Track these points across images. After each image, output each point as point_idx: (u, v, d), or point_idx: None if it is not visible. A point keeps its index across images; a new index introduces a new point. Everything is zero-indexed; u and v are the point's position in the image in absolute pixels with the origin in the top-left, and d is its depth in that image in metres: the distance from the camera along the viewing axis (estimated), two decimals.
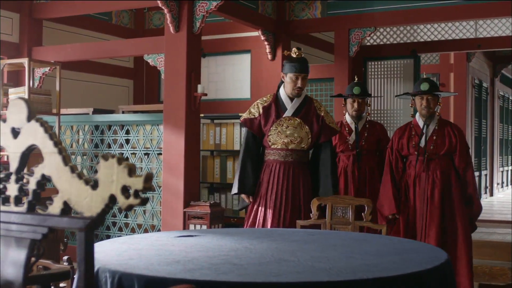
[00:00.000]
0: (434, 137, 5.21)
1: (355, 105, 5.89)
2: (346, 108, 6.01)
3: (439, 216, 5.12)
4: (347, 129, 5.94)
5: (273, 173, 5.06)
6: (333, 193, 5.09)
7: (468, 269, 5.08)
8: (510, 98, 17.74)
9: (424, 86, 5.23)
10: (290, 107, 5.12)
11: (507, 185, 16.60)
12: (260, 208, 5.07)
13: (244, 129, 5.73)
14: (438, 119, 5.31)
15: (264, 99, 5.24)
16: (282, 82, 5.21)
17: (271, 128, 5.07)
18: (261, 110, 5.13)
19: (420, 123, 5.29)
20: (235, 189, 5.15)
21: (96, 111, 7.76)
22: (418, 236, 5.16)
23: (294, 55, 5.13)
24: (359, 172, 5.83)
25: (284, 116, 5.09)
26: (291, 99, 5.14)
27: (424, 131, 5.25)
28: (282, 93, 5.17)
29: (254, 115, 5.14)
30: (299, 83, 5.05)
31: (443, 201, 5.15)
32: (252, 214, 5.11)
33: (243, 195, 5.17)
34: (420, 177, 5.21)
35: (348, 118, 5.98)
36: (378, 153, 5.97)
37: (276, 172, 5.06)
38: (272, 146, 5.09)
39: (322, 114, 5.20)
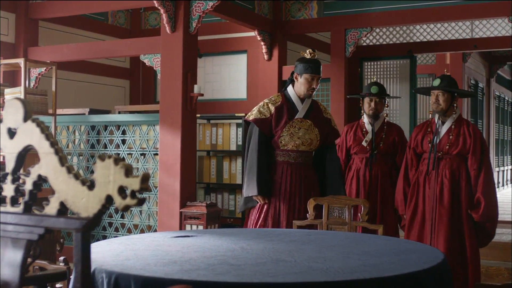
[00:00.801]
0: (450, 136, 5.16)
1: (372, 104, 5.82)
2: (363, 108, 5.94)
3: (449, 217, 5.05)
4: (364, 129, 5.86)
5: (284, 175, 5.01)
6: (344, 194, 5.16)
7: (475, 272, 5.03)
8: (506, 98, 17.77)
9: (435, 82, 5.23)
10: (301, 109, 5.10)
11: (503, 185, 16.63)
12: (272, 210, 4.98)
13: (241, 129, 5.62)
14: (457, 117, 5.22)
15: (273, 99, 5.16)
16: (290, 82, 5.18)
17: (284, 129, 5.02)
18: (272, 110, 5.05)
19: (439, 121, 5.27)
20: (253, 191, 4.94)
21: (92, 112, 7.74)
22: (428, 236, 5.12)
23: (308, 56, 5.13)
24: (370, 175, 5.76)
25: (296, 117, 5.07)
26: (301, 100, 5.11)
27: (440, 129, 5.23)
28: (292, 93, 5.14)
29: (265, 115, 5.05)
30: (314, 84, 5.06)
31: (452, 202, 5.08)
32: (262, 216, 5.01)
33: (260, 197, 4.99)
34: (430, 175, 5.19)
35: (365, 118, 5.91)
36: (393, 156, 5.87)
37: (288, 174, 5.01)
38: (282, 148, 5.05)
39: (329, 116, 5.27)
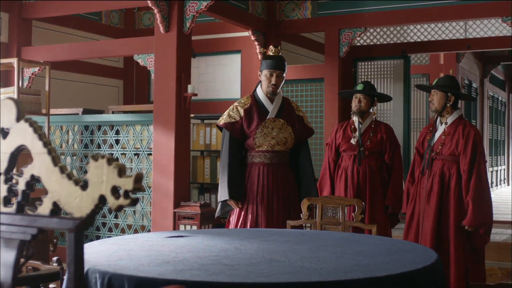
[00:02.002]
0: (443, 136, 5.14)
1: (356, 101, 5.86)
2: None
3: (434, 217, 5.02)
4: (353, 127, 5.88)
5: (261, 176, 4.95)
6: (316, 194, 5.12)
7: (459, 275, 4.99)
8: (500, 98, 17.81)
9: (434, 81, 5.25)
10: (272, 109, 5.04)
11: (496, 185, 16.67)
12: (250, 212, 4.93)
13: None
14: (455, 118, 5.17)
15: (242, 101, 5.10)
16: (259, 82, 5.15)
17: (257, 130, 4.97)
18: (242, 113, 5.00)
19: (438, 120, 5.28)
20: (224, 195, 4.92)
21: (86, 111, 7.73)
22: (419, 234, 5.13)
23: (271, 53, 5.10)
24: (358, 173, 5.76)
25: (268, 117, 5.01)
26: (271, 100, 5.06)
27: (438, 128, 5.21)
28: (261, 94, 5.08)
29: (235, 119, 4.99)
30: (273, 80, 4.97)
31: (439, 203, 5.05)
32: (241, 219, 4.95)
33: (232, 201, 4.96)
34: (424, 175, 5.20)
35: (355, 117, 5.92)
36: (381, 155, 5.87)
37: (265, 175, 4.96)
38: (257, 149, 4.99)
39: (301, 114, 5.21)
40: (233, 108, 5.06)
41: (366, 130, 5.83)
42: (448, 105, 5.15)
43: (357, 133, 5.81)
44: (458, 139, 5.04)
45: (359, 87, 5.86)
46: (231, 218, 5.09)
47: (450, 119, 5.17)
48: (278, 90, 5.08)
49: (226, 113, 5.07)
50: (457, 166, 5.06)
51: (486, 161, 5.22)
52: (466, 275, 5.02)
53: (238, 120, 5.00)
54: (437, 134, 5.18)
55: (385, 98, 6.42)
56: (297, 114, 5.17)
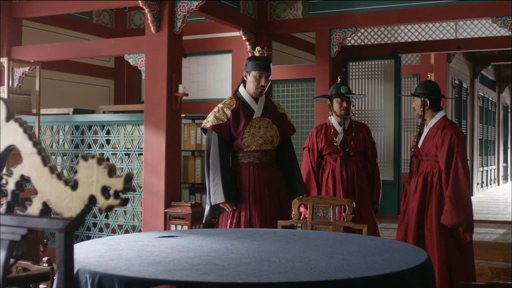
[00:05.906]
0: (426, 139, 5.23)
1: (344, 104, 5.85)
2: (333, 109, 5.93)
3: (417, 216, 5.14)
4: (332, 130, 5.88)
5: (251, 177, 4.93)
6: (305, 191, 5.21)
7: (442, 273, 5.02)
8: (490, 98, 17.88)
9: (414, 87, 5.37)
10: (257, 108, 5.02)
11: (487, 185, 16.74)
12: (243, 214, 4.90)
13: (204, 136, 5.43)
14: (439, 119, 5.25)
15: (227, 102, 5.05)
16: (242, 82, 5.11)
17: (245, 130, 4.94)
18: (229, 114, 4.95)
19: (424, 124, 5.36)
20: (220, 198, 4.83)
21: (77, 111, 7.72)
22: (407, 232, 5.22)
23: (257, 54, 5.08)
24: (347, 174, 5.79)
25: (254, 117, 4.99)
26: (255, 99, 5.04)
27: (422, 131, 5.31)
28: (245, 94, 5.05)
29: (222, 120, 4.93)
30: (262, 81, 4.95)
31: (421, 202, 5.15)
32: (235, 221, 4.91)
33: (227, 204, 4.88)
34: (412, 177, 5.30)
35: (333, 119, 5.91)
36: (364, 154, 5.92)
37: (256, 175, 4.94)
38: (246, 149, 4.97)
39: (284, 112, 5.21)
40: (218, 110, 5.00)
41: (347, 131, 5.86)
42: (425, 109, 5.24)
43: (340, 135, 5.84)
44: (438, 140, 5.15)
45: (344, 90, 5.85)
46: (221, 221, 5.04)
47: (431, 122, 5.26)
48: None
49: (211, 115, 5.00)
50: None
51: (468, 160, 5.28)
52: (449, 273, 5.06)
53: (226, 122, 4.95)
54: (422, 137, 5.27)
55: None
56: (280, 112, 5.17)
